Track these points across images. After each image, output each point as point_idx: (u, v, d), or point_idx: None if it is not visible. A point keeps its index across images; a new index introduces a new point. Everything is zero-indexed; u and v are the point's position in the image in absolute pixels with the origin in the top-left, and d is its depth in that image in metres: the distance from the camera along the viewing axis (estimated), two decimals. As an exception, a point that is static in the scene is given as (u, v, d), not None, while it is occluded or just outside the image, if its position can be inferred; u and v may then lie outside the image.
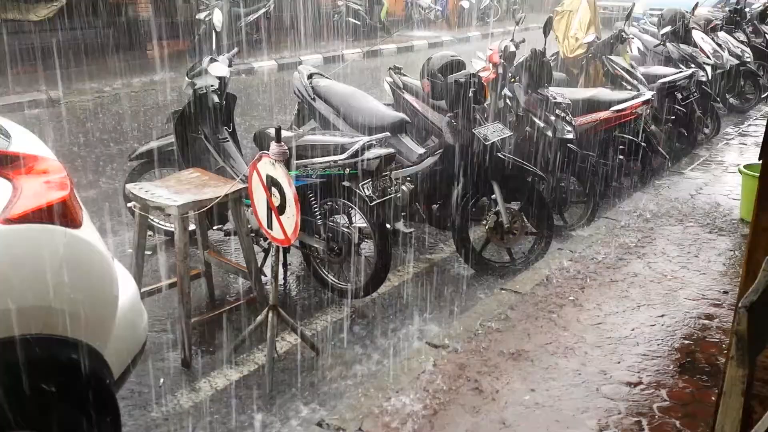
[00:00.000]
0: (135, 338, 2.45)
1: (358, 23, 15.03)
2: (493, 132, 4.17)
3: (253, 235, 3.90)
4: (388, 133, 3.97)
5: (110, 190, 5.40)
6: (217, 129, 4.33)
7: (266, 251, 4.07)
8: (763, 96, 8.64)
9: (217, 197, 3.28)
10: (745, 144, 6.72)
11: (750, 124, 7.52)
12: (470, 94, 4.14)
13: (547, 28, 5.36)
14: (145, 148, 4.42)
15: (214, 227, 4.13)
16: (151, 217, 4.25)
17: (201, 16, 11.20)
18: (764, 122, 7.63)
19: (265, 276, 3.79)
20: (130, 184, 3.50)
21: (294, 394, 3.06)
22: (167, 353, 3.35)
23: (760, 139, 6.75)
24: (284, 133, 4.13)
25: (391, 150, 3.77)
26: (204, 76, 4.24)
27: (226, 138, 4.37)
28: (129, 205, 3.71)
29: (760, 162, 4.86)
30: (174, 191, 3.37)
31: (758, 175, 4.44)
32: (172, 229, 4.52)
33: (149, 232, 4.15)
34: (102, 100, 8.59)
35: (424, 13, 17.17)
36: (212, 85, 4.17)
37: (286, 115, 7.87)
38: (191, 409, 2.96)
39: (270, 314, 3.18)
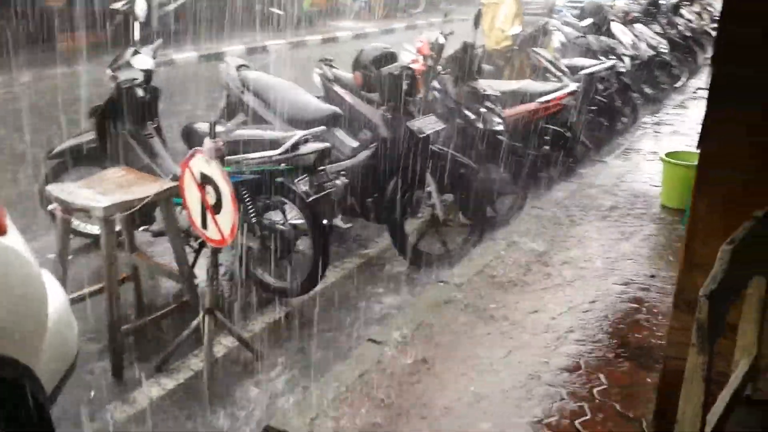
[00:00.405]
0: (66, 351, 2.32)
1: (281, 13, 14.79)
2: (427, 124, 4.18)
3: (183, 235, 3.76)
4: (324, 127, 3.91)
5: (25, 192, 5.10)
6: (142, 125, 4.15)
7: (197, 252, 3.94)
8: (676, 86, 9.03)
9: (146, 197, 3.14)
10: (661, 132, 7.00)
11: (665, 113, 7.83)
12: (404, 87, 4.12)
13: (478, 20, 5.40)
14: (64, 146, 4.19)
15: (141, 228, 3.96)
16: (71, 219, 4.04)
17: (117, 5, 10.69)
18: (678, 111, 7.98)
19: (196, 278, 3.66)
20: (51, 185, 3.31)
21: (235, 399, 2.97)
22: (96, 364, 3.19)
23: (675, 128, 7.06)
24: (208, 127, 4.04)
25: (328, 144, 3.72)
26: (127, 68, 4.07)
27: (151, 134, 4.20)
28: (50, 207, 3.51)
29: (689, 150, 5.04)
30: (99, 192, 3.20)
31: (678, 162, 4.63)
32: (94, 232, 4.37)
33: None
34: (11, 95, 8.13)
35: (348, 4, 17.07)
36: (136, 79, 4.01)
37: (209, 109, 7.65)
38: (127, 422, 2.83)
39: (206, 318, 3.07)
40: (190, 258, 3.74)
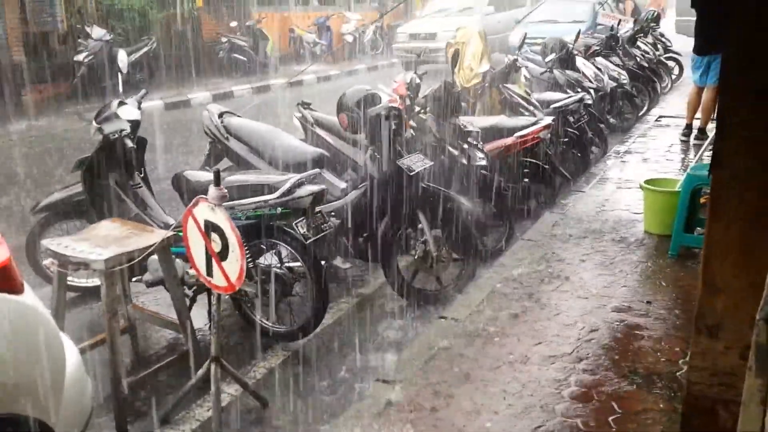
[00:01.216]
0: (83, 406, 2.26)
1: (244, 59, 14.88)
2: (415, 162, 4.22)
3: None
4: (318, 170, 3.92)
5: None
6: (130, 175, 4.12)
7: (192, 300, 3.88)
8: (640, 114, 9.31)
9: (148, 248, 3.10)
10: (632, 161, 7.19)
11: (633, 142, 8.05)
12: (392, 126, 4.18)
13: (455, 60, 5.52)
14: (50, 199, 4.12)
15: (133, 279, 3.90)
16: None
17: (80, 57, 10.69)
18: (644, 139, 8.21)
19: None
20: (46, 240, 3.23)
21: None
22: (98, 419, 3.09)
23: (644, 156, 7.26)
24: (201, 174, 4.03)
25: (323, 186, 3.73)
26: (113, 120, 4.04)
27: (139, 184, 4.17)
28: (45, 262, 3.43)
29: (667, 177, 5.20)
30: (96, 245, 3.14)
31: (659, 190, 4.75)
32: (83, 285, 4.28)
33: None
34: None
35: (309, 48, 17.26)
36: (124, 130, 3.98)
37: (185, 156, 7.62)
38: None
39: (213, 366, 3.02)
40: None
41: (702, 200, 4.64)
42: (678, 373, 3.10)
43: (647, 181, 5.08)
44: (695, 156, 6.40)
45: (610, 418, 2.80)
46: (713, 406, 2.17)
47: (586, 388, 3.02)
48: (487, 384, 3.08)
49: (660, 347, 3.36)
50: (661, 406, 2.87)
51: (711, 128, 7.65)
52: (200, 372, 3.08)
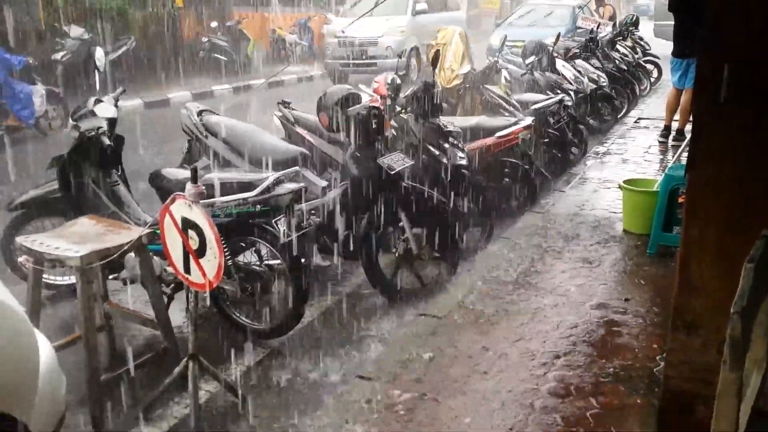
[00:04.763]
0: (57, 403, 2.23)
1: (225, 59, 14.80)
2: (396, 161, 4.22)
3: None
4: (297, 168, 3.90)
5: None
6: (107, 173, 4.08)
7: (170, 298, 3.84)
8: (619, 116, 9.39)
9: (125, 244, 3.06)
10: (612, 162, 7.25)
11: (613, 143, 8.12)
12: (373, 126, 4.18)
13: (436, 61, 5.54)
14: (25, 197, 4.06)
15: (110, 276, 3.85)
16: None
17: (58, 56, 10.57)
18: (623, 140, 8.28)
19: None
20: (21, 237, 3.18)
21: (225, 446, 2.89)
22: (74, 416, 3.05)
23: (623, 156, 7.33)
24: (179, 172, 4.00)
25: (303, 184, 3.72)
26: (90, 117, 4.00)
27: (117, 182, 4.13)
28: (20, 259, 3.38)
29: (645, 178, 5.25)
30: (72, 242, 3.10)
31: (638, 189, 4.80)
32: (58, 282, 4.23)
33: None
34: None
35: (290, 48, 17.21)
36: (101, 127, 3.94)
37: (164, 155, 7.55)
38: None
39: (191, 363, 2.99)
40: (163, 305, 3.64)
41: (680, 200, 4.68)
42: (655, 369, 3.12)
43: (626, 182, 5.12)
44: (673, 157, 6.45)
45: (588, 413, 2.81)
46: (690, 401, 2.19)
47: (565, 383, 3.04)
48: (466, 380, 3.08)
49: (638, 344, 3.38)
50: (639, 401, 2.88)
51: (689, 130, 7.73)
52: (178, 369, 3.05)
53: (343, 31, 13.82)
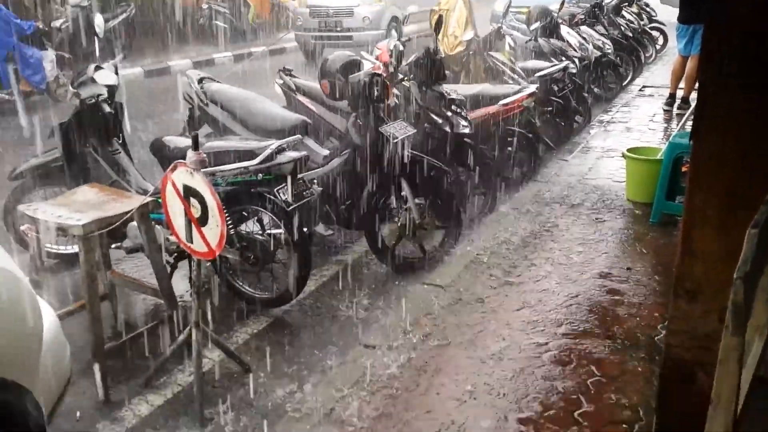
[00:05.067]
0: (61, 371, 2.24)
1: (225, 26, 14.64)
2: (398, 129, 4.19)
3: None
4: (299, 136, 3.88)
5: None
6: (108, 141, 4.06)
7: (173, 267, 3.85)
8: (624, 84, 9.30)
9: (126, 213, 3.06)
10: (615, 130, 7.20)
11: (617, 111, 8.06)
12: (375, 93, 4.13)
13: (438, 27, 5.46)
14: (27, 165, 4.04)
15: (112, 246, 3.86)
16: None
17: (57, 23, 10.46)
18: (628, 109, 8.22)
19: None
20: (23, 206, 3.18)
21: (226, 413, 2.91)
22: (80, 384, 3.08)
23: (627, 125, 7.28)
24: (180, 140, 3.98)
25: (305, 153, 3.69)
26: (90, 85, 3.97)
27: (118, 150, 4.11)
28: (23, 228, 3.38)
29: (649, 146, 5.21)
30: (74, 210, 3.10)
31: (641, 158, 4.77)
32: (62, 252, 4.24)
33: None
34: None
35: (292, 16, 16.99)
36: (101, 95, 3.91)
37: (162, 122, 7.52)
38: (118, 441, 2.75)
39: (194, 331, 3.00)
40: (166, 273, 3.65)
41: (684, 168, 4.65)
42: (657, 338, 3.13)
43: (630, 150, 5.09)
44: (678, 125, 6.41)
45: (589, 381, 2.83)
46: (691, 368, 2.19)
47: (566, 352, 3.05)
48: (468, 348, 3.10)
49: (639, 312, 3.39)
50: (640, 369, 2.90)
51: (694, 98, 7.67)
52: (181, 337, 3.07)
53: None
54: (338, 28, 12.74)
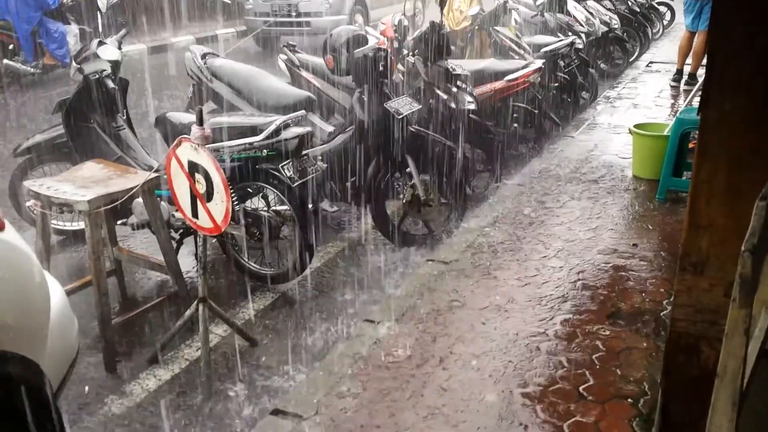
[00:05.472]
0: (69, 345, 2.25)
1: (229, 2, 14.51)
2: (403, 105, 4.17)
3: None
4: (304, 112, 3.86)
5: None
6: (112, 117, 4.05)
7: (179, 243, 3.86)
8: (630, 60, 9.22)
9: (132, 189, 3.06)
10: (623, 106, 7.15)
11: (624, 87, 8.00)
12: (380, 68, 4.11)
13: (444, 1, 5.41)
14: (31, 141, 4.04)
15: (118, 222, 3.87)
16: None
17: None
18: (634, 85, 8.15)
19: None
20: (29, 181, 3.19)
21: (234, 387, 2.93)
22: (87, 358, 3.11)
23: (634, 101, 7.22)
24: (184, 116, 3.97)
25: (309, 129, 3.68)
26: (93, 60, 3.95)
27: (122, 126, 4.10)
28: (28, 204, 3.39)
29: (656, 122, 5.18)
30: (79, 186, 3.11)
31: (648, 134, 4.74)
32: (67, 228, 4.25)
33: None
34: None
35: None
36: (104, 70, 3.90)
37: (166, 99, 7.50)
38: (125, 415, 2.77)
39: (200, 307, 3.02)
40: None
41: (691, 145, 4.63)
42: (662, 313, 3.13)
43: (636, 126, 5.05)
44: (685, 101, 6.36)
45: (594, 356, 2.84)
46: (696, 342, 2.19)
47: (571, 327, 3.06)
48: (473, 324, 3.10)
49: (645, 288, 3.39)
50: (645, 344, 2.91)
51: (701, 74, 7.60)
52: (188, 312, 3.08)
53: None
54: (293, 13, 11.31)
